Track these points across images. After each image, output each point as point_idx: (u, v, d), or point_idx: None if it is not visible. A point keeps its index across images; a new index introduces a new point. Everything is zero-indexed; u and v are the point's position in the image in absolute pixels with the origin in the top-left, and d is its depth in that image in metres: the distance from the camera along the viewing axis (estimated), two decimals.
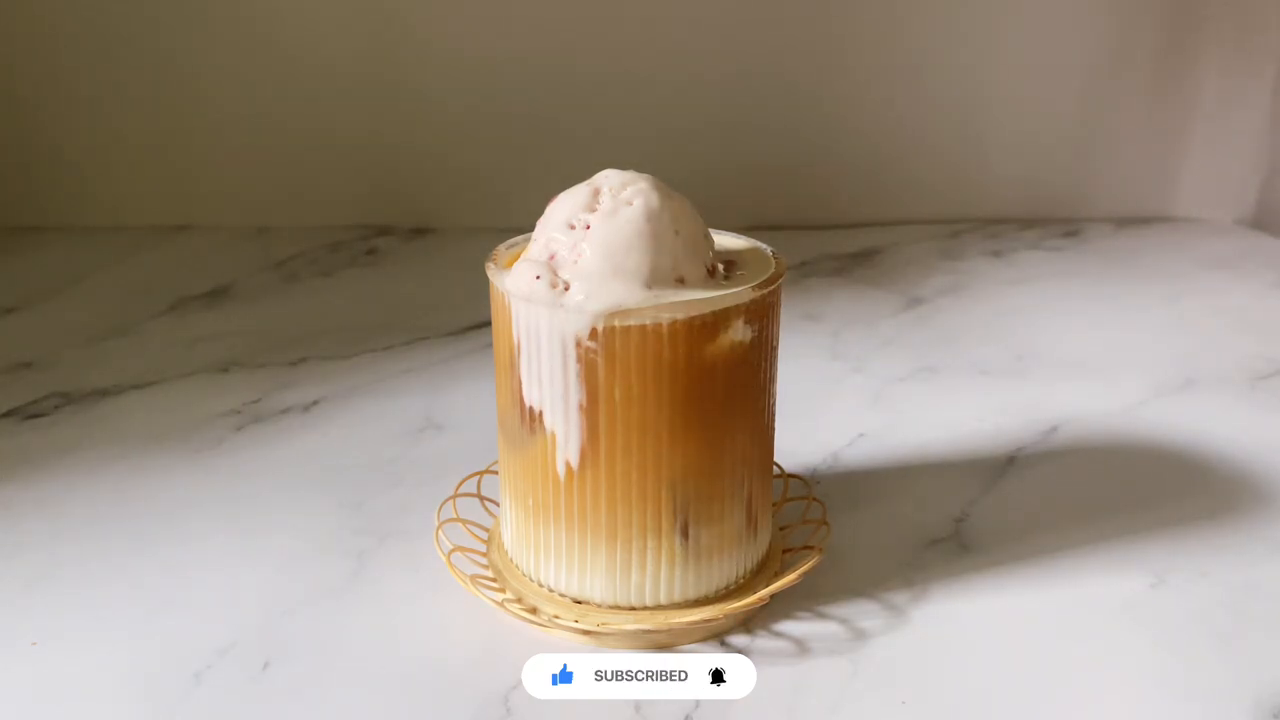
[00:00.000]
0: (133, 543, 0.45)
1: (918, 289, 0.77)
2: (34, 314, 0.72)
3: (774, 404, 0.41)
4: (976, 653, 0.39)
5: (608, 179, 0.38)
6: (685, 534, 0.38)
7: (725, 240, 0.42)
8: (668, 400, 0.36)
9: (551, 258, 0.37)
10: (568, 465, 0.37)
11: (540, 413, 0.37)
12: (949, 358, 0.65)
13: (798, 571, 0.40)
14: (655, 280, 0.36)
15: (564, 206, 0.38)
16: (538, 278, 0.36)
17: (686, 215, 0.38)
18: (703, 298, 0.36)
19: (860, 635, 0.40)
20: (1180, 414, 0.58)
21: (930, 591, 0.42)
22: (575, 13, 0.84)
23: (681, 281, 0.37)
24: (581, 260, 0.36)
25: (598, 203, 0.37)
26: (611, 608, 0.39)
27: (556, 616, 0.39)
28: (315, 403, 0.58)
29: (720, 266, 0.39)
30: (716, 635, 0.40)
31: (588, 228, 0.37)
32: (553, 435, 0.37)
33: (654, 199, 0.37)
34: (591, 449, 0.37)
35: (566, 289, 0.36)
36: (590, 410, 0.36)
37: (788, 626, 0.40)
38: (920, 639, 0.39)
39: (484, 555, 0.43)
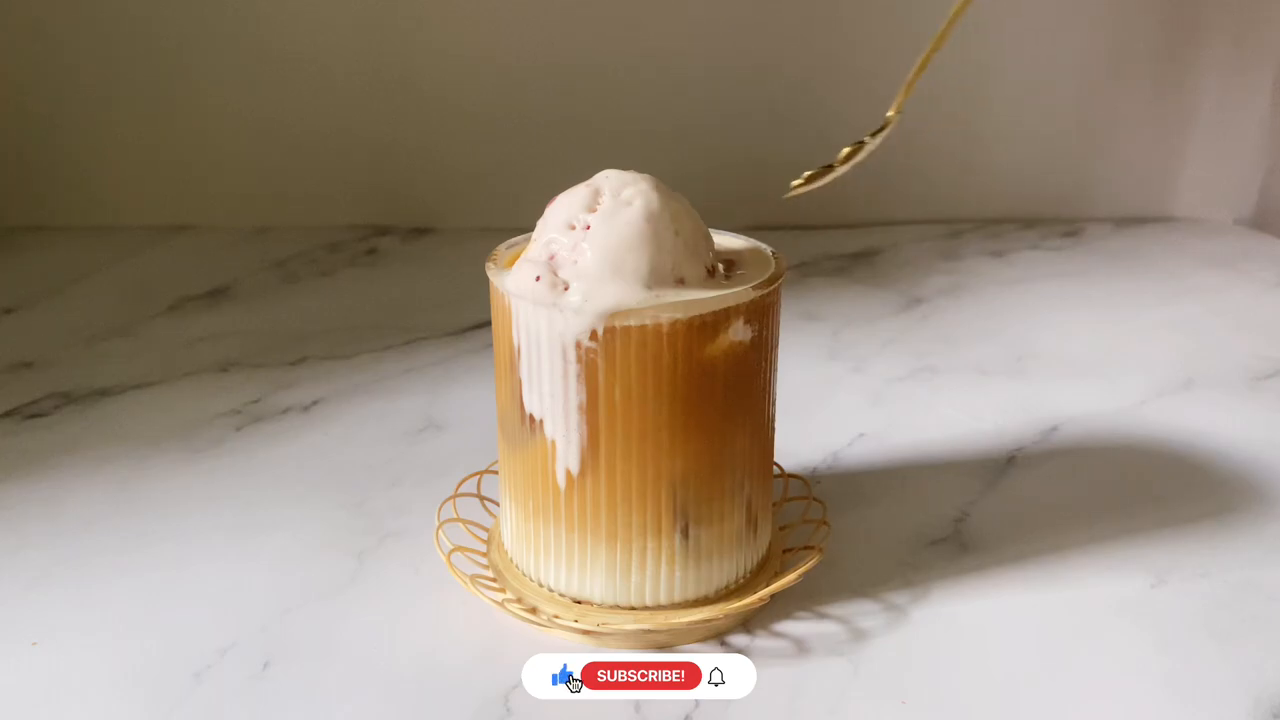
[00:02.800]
0: (133, 542, 0.45)
1: (918, 289, 0.77)
2: (34, 314, 0.72)
3: (774, 404, 0.41)
4: (976, 653, 0.39)
5: (608, 179, 0.38)
6: (685, 534, 0.38)
7: (725, 240, 0.42)
8: (668, 400, 0.36)
9: (551, 258, 0.37)
10: (568, 471, 0.37)
11: (540, 421, 0.37)
12: (949, 358, 0.65)
13: (798, 571, 0.40)
14: (655, 280, 0.36)
15: (564, 207, 0.38)
16: (538, 278, 0.36)
17: (686, 215, 0.38)
18: (703, 298, 0.36)
19: (860, 635, 0.40)
20: (1180, 414, 0.58)
21: (930, 591, 0.42)
22: (575, 13, 0.84)
23: (681, 282, 0.37)
24: (581, 260, 0.36)
25: (598, 203, 0.37)
26: (611, 608, 0.39)
27: (556, 616, 0.39)
28: (315, 403, 0.58)
29: (720, 266, 0.39)
30: (716, 635, 0.40)
31: (588, 228, 0.37)
32: (553, 442, 0.37)
33: (654, 199, 0.37)
34: (591, 450, 0.37)
35: (566, 289, 0.36)
36: (590, 411, 0.36)
37: (787, 626, 0.40)
38: (920, 639, 0.39)
39: (484, 555, 0.43)
